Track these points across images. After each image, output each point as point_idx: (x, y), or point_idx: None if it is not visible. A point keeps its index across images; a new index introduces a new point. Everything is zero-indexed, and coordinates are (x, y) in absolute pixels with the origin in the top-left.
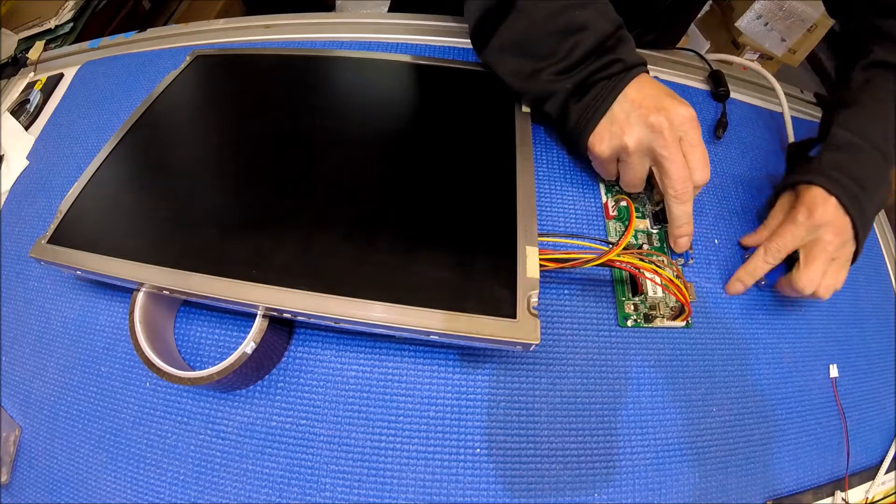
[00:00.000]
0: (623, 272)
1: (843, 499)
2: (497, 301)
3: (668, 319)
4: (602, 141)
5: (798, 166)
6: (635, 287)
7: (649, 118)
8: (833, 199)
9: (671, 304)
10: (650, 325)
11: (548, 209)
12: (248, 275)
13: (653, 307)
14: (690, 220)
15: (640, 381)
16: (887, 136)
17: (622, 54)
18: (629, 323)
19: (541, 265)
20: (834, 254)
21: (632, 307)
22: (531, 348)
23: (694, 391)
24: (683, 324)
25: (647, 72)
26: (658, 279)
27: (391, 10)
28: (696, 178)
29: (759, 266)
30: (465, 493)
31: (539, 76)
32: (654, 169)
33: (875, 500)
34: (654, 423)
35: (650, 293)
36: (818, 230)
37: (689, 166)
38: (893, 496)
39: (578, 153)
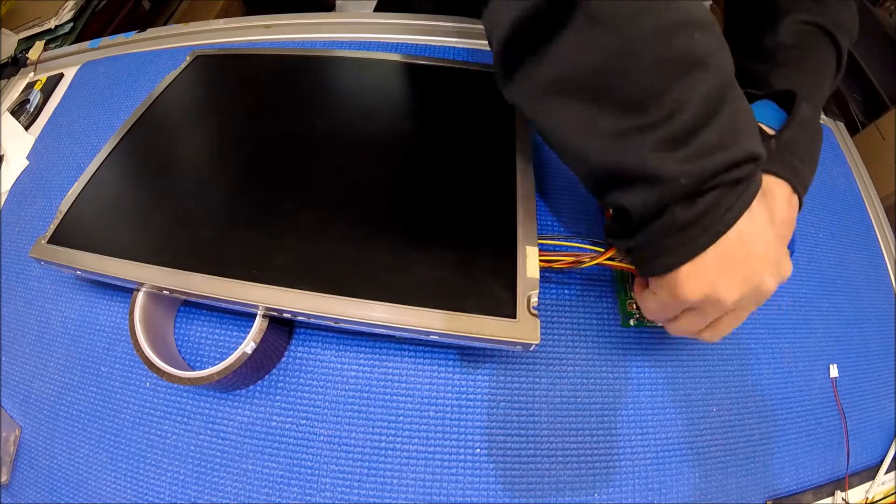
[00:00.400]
0: (625, 272)
1: (843, 499)
2: (497, 301)
3: None
4: (695, 283)
5: None
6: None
7: (762, 279)
8: (786, 185)
9: None
10: (653, 324)
11: (548, 209)
12: (249, 275)
13: None
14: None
15: (640, 381)
16: (824, 101)
17: (753, 144)
18: (632, 322)
19: (540, 264)
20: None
21: (634, 306)
22: (531, 348)
23: (694, 391)
24: None
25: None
26: None
27: (377, 9)
28: (712, 339)
29: None
30: (465, 493)
31: (638, 141)
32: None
33: (875, 500)
34: (654, 423)
35: None
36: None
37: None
38: (893, 496)
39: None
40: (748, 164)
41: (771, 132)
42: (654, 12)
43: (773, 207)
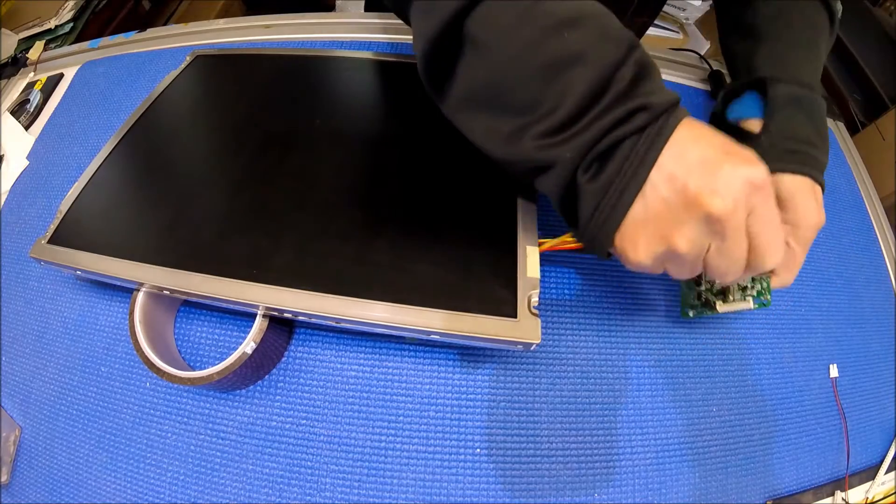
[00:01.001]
0: None
1: (843, 499)
2: (498, 300)
3: (733, 302)
4: (636, 247)
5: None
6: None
7: (705, 206)
8: (800, 179)
9: (744, 285)
10: (712, 313)
11: (549, 209)
12: (250, 275)
13: (720, 293)
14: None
15: (640, 381)
16: (817, 70)
17: (645, 93)
18: (691, 314)
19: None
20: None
21: (696, 296)
22: (532, 348)
23: (694, 391)
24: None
25: (686, 112)
26: None
27: (367, 9)
28: (760, 264)
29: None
30: (465, 493)
31: (522, 139)
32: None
33: (875, 500)
34: (654, 423)
35: (717, 282)
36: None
37: (754, 252)
38: (893, 496)
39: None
40: (637, 115)
41: (760, 125)
42: (524, 25)
43: (796, 210)
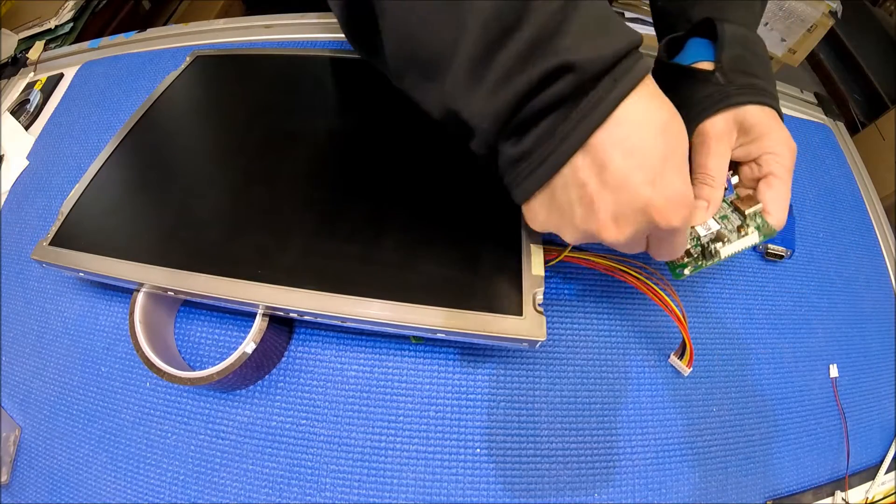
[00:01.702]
0: None
1: (843, 499)
2: (503, 299)
3: (736, 241)
4: (533, 218)
5: (694, 86)
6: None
7: (596, 228)
8: (769, 110)
9: (737, 224)
10: (716, 261)
11: None
12: (254, 275)
13: (714, 240)
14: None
15: (640, 381)
16: (755, 15)
17: (571, 48)
18: (687, 271)
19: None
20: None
21: (684, 255)
22: (537, 345)
23: (694, 391)
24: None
25: (639, 77)
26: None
27: None
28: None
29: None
30: (465, 493)
31: (444, 92)
32: None
33: (875, 500)
34: (654, 423)
35: (702, 232)
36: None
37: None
38: (893, 496)
39: None
40: (562, 77)
41: (711, 66)
42: None
43: (771, 137)
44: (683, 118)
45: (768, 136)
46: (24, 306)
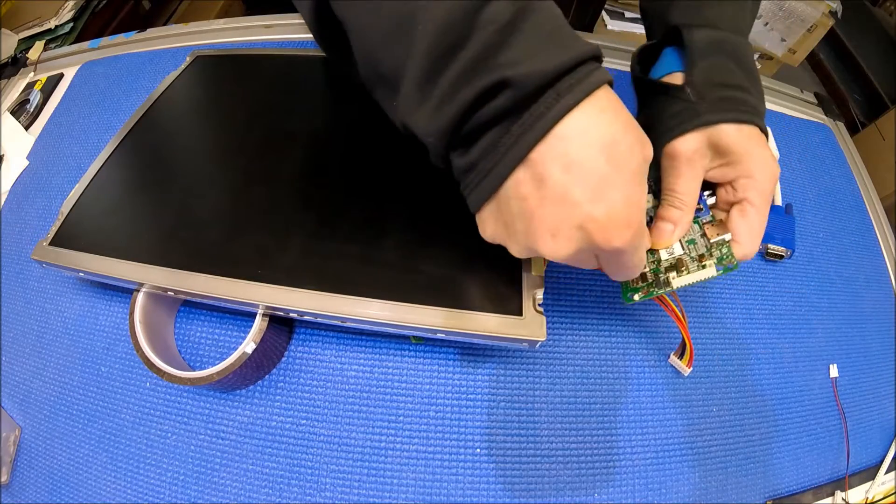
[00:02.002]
0: None
1: (843, 499)
2: (503, 299)
3: (691, 273)
4: (483, 228)
5: (664, 102)
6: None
7: (535, 245)
8: (748, 128)
9: (700, 252)
10: (667, 289)
11: None
12: (254, 275)
13: (671, 268)
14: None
15: (640, 381)
16: (743, 11)
17: (513, 62)
18: (636, 297)
19: None
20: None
21: (639, 280)
22: (537, 345)
23: (694, 391)
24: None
25: (588, 91)
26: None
27: None
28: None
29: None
30: (465, 493)
31: (397, 114)
32: None
33: (875, 500)
34: (654, 423)
35: (664, 255)
36: (761, 173)
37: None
38: (893, 496)
39: None
40: (501, 93)
41: (681, 79)
42: None
43: (749, 160)
44: (653, 137)
45: (746, 159)
46: (24, 306)
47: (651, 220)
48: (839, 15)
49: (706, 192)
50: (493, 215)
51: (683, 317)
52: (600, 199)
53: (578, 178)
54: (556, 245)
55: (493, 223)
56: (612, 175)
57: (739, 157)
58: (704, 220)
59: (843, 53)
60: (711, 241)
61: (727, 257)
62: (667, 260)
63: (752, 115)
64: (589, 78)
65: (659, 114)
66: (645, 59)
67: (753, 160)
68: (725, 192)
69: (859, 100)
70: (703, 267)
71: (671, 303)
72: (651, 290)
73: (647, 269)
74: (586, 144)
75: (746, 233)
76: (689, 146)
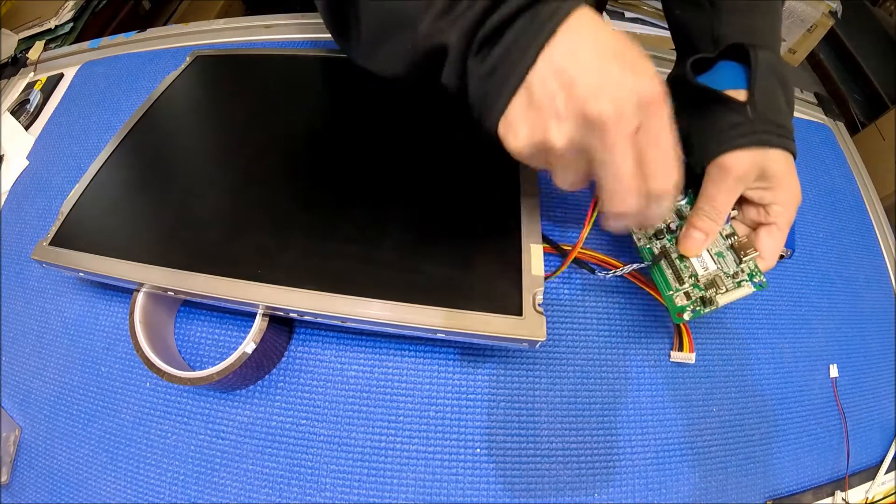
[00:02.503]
0: (661, 265)
1: (843, 499)
2: (503, 299)
3: (731, 291)
4: (516, 132)
5: (721, 113)
6: (677, 272)
7: (586, 106)
8: (789, 157)
9: (732, 271)
10: (713, 308)
11: (552, 207)
12: (255, 275)
13: (709, 285)
14: (626, 229)
15: (640, 381)
16: (779, 36)
17: None
18: (686, 316)
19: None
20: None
21: (684, 297)
22: (537, 345)
23: (694, 391)
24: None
25: (589, 5)
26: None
27: None
28: (652, 187)
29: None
30: (465, 493)
31: (416, 37)
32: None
33: (875, 500)
34: (654, 423)
35: (700, 270)
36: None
37: (641, 171)
38: (893, 496)
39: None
40: None
41: (742, 95)
42: None
43: (784, 189)
44: (703, 143)
45: (784, 188)
46: (24, 306)
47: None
48: (839, 15)
49: (734, 213)
50: (525, 107)
51: None
52: (630, 57)
53: (608, 45)
54: (603, 99)
55: (527, 117)
56: (629, 44)
57: (779, 185)
58: (726, 232)
59: (843, 53)
60: (743, 258)
61: (758, 274)
62: (703, 276)
63: (790, 140)
64: None
65: (713, 123)
66: (696, 65)
67: (791, 190)
68: (756, 213)
69: (859, 100)
70: (740, 285)
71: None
72: (697, 308)
73: (687, 284)
74: (603, 27)
75: (771, 251)
76: (743, 163)
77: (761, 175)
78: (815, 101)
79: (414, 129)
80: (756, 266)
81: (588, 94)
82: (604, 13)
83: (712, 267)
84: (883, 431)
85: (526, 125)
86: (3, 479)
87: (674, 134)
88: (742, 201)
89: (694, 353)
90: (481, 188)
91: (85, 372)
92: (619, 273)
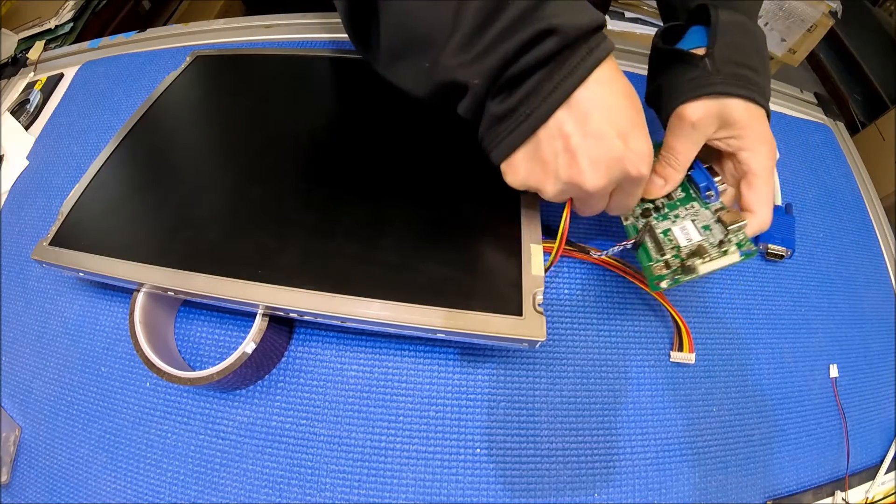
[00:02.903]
0: (644, 241)
1: (843, 499)
2: (503, 299)
3: (715, 259)
4: (515, 174)
5: (681, 69)
6: (658, 245)
7: (582, 178)
8: (754, 107)
9: (718, 238)
10: (693, 276)
11: (551, 208)
12: (255, 275)
13: (692, 254)
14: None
15: (640, 381)
16: (757, 4)
17: (551, 14)
18: (664, 284)
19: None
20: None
21: (663, 266)
22: (537, 345)
23: (694, 391)
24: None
25: (609, 50)
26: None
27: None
28: (613, 213)
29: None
30: (465, 493)
31: (437, 69)
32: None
33: (875, 500)
34: (654, 423)
35: (683, 242)
36: (761, 146)
37: (608, 204)
38: (893, 496)
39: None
40: (548, 38)
41: (703, 52)
42: None
43: (751, 135)
44: (665, 100)
45: (749, 134)
46: (24, 306)
47: None
48: (839, 15)
49: (716, 178)
50: (529, 157)
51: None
52: (634, 136)
53: (616, 118)
54: (596, 175)
55: (529, 165)
56: (637, 117)
57: (743, 131)
58: (715, 207)
59: (843, 53)
60: (729, 227)
61: (746, 243)
62: (686, 247)
63: (760, 95)
64: (606, 41)
65: (674, 79)
66: (668, 38)
67: (756, 135)
68: (731, 166)
69: (859, 100)
70: (726, 253)
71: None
72: (677, 276)
73: (668, 255)
74: (618, 91)
75: (757, 202)
76: (697, 111)
77: (723, 124)
78: (815, 101)
79: (414, 129)
80: (745, 237)
81: (585, 167)
82: (605, 15)
83: (697, 238)
84: (883, 431)
85: (525, 172)
86: (3, 479)
87: (638, 196)
88: (718, 158)
89: (694, 354)
90: (481, 188)
91: (85, 372)
92: (609, 253)
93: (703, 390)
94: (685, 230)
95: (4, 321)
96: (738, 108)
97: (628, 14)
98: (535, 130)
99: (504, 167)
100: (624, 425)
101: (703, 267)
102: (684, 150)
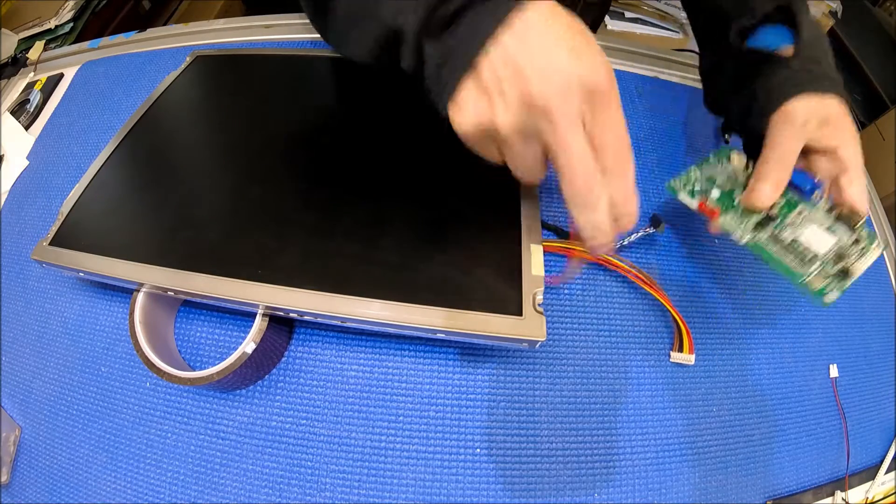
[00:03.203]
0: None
1: (843, 499)
2: (503, 299)
3: (863, 257)
4: (463, 114)
5: (771, 71)
6: (800, 256)
7: (531, 89)
8: (844, 104)
9: (851, 240)
10: (853, 280)
11: (552, 207)
12: (255, 275)
13: (839, 258)
14: (606, 231)
15: (640, 381)
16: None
17: None
18: (833, 296)
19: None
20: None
21: (821, 278)
22: (537, 345)
23: (694, 391)
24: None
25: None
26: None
27: None
28: (607, 164)
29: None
30: (465, 493)
31: (381, 22)
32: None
33: (875, 500)
34: (654, 423)
35: (821, 250)
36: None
37: (595, 153)
38: (893, 496)
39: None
40: None
41: (789, 51)
42: None
43: (846, 132)
44: (763, 102)
45: (844, 129)
46: (24, 306)
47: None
48: (839, 15)
49: (816, 178)
50: (473, 91)
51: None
52: (588, 51)
53: (563, 36)
54: (548, 84)
55: (474, 99)
56: (589, 37)
57: (840, 127)
58: (826, 207)
59: (843, 53)
60: (855, 226)
61: (871, 236)
62: (829, 252)
63: (845, 92)
64: None
65: (767, 81)
66: (742, 32)
67: (850, 131)
68: (828, 162)
69: (859, 100)
70: (865, 249)
71: (661, 289)
72: (841, 283)
73: (816, 265)
74: (561, 14)
75: (859, 195)
76: (805, 109)
77: (822, 121)
78: None
79: (414, 129)
80: (867, 229)
81: (533, 78)
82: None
83: (831, 241)
84: (883, 431)
85: (473, 107)
86: (3, 479)
87: (623, 120)
88: (812, 155)
89: (694, 354)
90: (481, 188)
91: (85, 372)
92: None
93: (703, 390)
94: (816, 235)
95: (4, 321)
96: (834, 105)
97: (628, 14)
98: (474, 61)
99: (452, 112)
100: (624, 425)
101: (858, 266)
102: (791, 149)
